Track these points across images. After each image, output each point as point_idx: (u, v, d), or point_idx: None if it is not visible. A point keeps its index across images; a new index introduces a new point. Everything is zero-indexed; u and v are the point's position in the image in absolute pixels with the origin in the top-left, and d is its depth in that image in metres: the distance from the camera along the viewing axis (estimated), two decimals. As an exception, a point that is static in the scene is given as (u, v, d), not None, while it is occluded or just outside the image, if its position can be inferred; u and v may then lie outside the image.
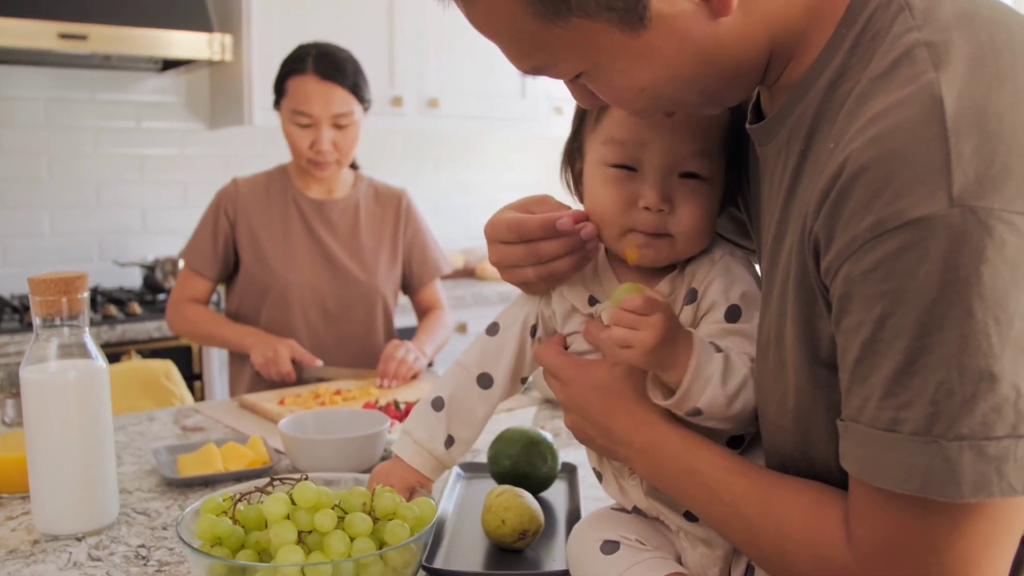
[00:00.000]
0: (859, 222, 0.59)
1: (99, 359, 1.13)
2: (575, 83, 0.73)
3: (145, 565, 1.02)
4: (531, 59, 0.69)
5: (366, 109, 1.98)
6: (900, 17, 0.62)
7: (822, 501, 0.68)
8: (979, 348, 0.55)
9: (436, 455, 0.95)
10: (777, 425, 0.74)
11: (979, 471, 0.56)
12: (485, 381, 0.94)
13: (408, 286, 2.16)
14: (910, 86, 0.58)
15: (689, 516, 0.84)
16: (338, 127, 1.93)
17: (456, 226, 3.83)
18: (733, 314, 0.82)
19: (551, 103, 3.62)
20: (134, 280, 3.14)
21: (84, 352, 1.11)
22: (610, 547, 0.85)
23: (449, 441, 0.95)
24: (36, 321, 1.10)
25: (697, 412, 0.77)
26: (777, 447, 0.75)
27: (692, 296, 0.84)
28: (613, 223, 0.83)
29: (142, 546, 1.07)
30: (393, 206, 2.11)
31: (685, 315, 0.84)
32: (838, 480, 0.68)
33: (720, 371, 0.77)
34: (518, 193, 4.19)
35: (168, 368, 2.26)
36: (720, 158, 0.82)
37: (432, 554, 1.00)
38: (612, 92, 0.70)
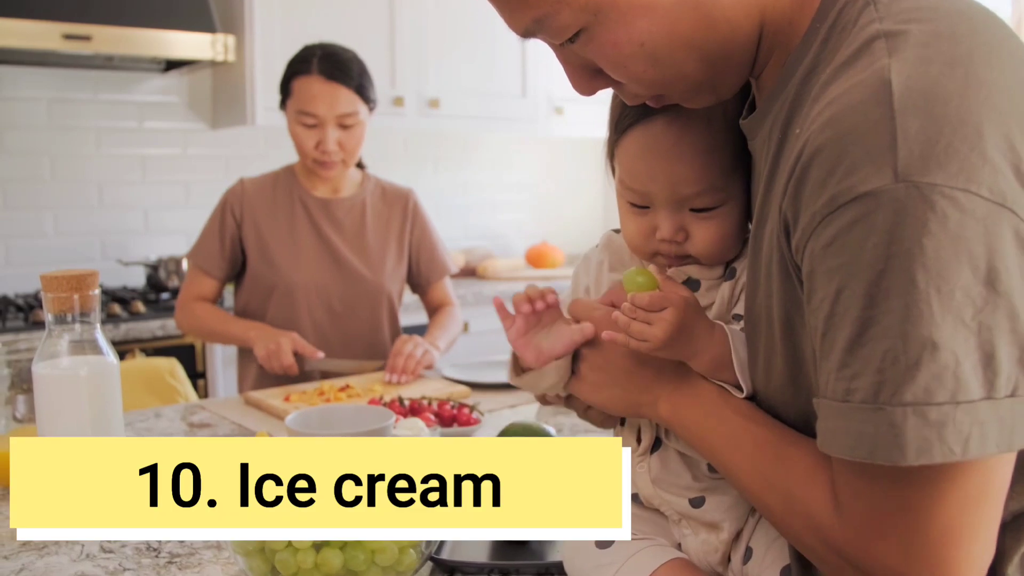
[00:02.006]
0: (817, 199, 0.62)
1: (110, 355, 1.15)
2: (572, 52, 0.73)
3: (156, 557, 1.04)
4: (533, 9, 0.69)
5: (371, 109, 2.00)
6: (866, 10, 0.66)
7: (819, 466, 0.69)
8: (922, 317, 0.58)
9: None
10: (770, 405, 0.76)
11: (922, 436, 0.58)
12: None
13: (416, 286, 2.18)
14: (865, 72, 0.62)
15: (693, 502, 0.86)
16: (343, 127, 1.94)
17: (457, 226, 3.85)
18: None
19: (551, 103, 3.64)
20: (137, 279, 3.16)
21: (95, 348, 1.13)
22: (604, 543, 0.86)
23: None
24: (48, 318, 1.12)
25: (753, 396, 0.79)
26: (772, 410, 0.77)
27: (731, 273, 0.86)
28: (639, 249, 0.88)
29: (153, 539, 1.09)
30: (400, 205, 2.13)
31: (724, 291, 0.86)
32: None
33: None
34: (519, 193, 4.20)
35: (173, 366, 2.27)
36: (735, 178, 0.83)
37: (439, 546, 1.02)
38: (612, 49, 0.70)
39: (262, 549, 0.88)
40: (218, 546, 1.06)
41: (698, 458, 0.86)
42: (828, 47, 0.68)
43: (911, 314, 0.58)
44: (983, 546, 0.63)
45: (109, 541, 1.08)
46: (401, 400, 1.57)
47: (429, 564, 0.99)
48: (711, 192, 0.82)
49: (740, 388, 0.78)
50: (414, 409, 1.54)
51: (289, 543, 0.86)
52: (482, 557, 1.02)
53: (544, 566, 0.98)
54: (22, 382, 1.29)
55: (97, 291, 1.13)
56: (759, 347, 0.76)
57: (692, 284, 0.87)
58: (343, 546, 0.86)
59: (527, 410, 1.68)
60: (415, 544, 0.91)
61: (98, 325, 1.14)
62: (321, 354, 1.87)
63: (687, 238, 0.84)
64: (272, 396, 1.72)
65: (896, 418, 0.59)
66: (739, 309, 0.84)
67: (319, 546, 0.86)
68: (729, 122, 0.81)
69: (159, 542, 1.08)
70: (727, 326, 0.80)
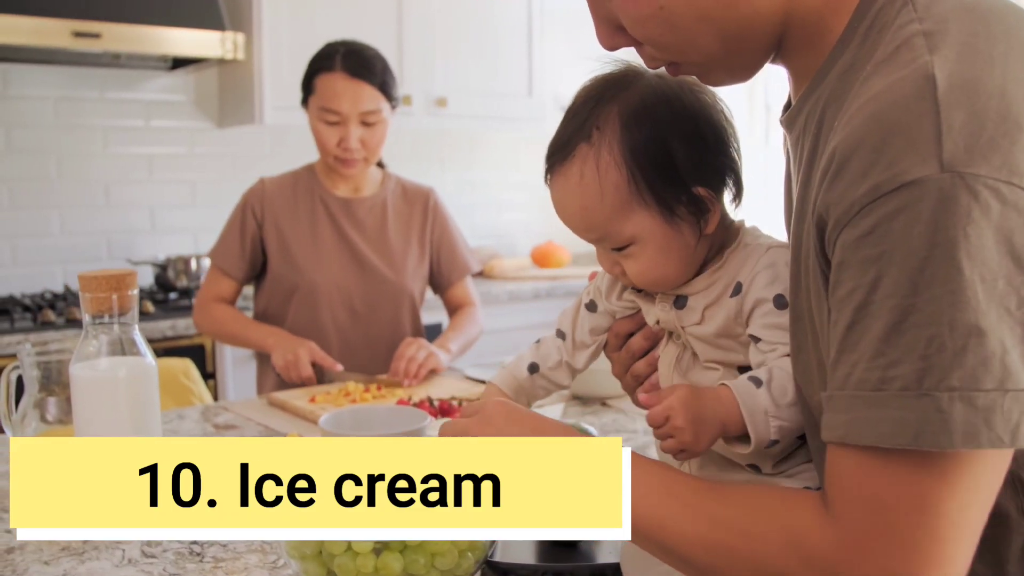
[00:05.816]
0: (856, 189, 0.62)
1: (148, 356, 1.13)
2: (601, 4, 0.76)
3: (201, 561, 1.02)
4: None
5: (394, 107, 1.98)
6: (904, 10, 0.67)
7: (794, 491, 0.70)
8: (968, 303, 0.58)
9: (517, 377, 1.01)
10: (813, 399, 0.75)
11: (969, 421, 0.58)
12: (560, 334, 1.02)
13: (437, 285, 2.15)
14: (906, 68, 0.63)
15: None
16: (366, 124, 1.92)
17: (463, 225, 3.78)
18: (781, 302, 0.83)
19: (557, 103, 3.63)
20: (145, 279, 3.13)
21: (134, 349, 1.12)
22: None
23: (533, 368, 1.01)
24: (86, 318, 1.11)
25: (775, 443, 0.80)
26: (813, 417, 0.76)
27: (738, 288, 0.85)
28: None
29: (195, 543, 1.07)
30: (421, 204, 2.10)
31: (731, 306, 0.85)
32: None
33: (769, 400, 0.79)
34: (524, 192, 4.19)
35: (187, 367, 2.26)
36: (631, 220, 0.84)
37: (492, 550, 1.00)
38: (632, 7, 0.73)
39: (319, 553, 0.87)
40: (262, 549, 1.05)
41: (737, 459, 0.85)
42: (866, 45, 0.69)
43: (957, 300, 0.58)
44: (973, 545, 0.62)
45: (150, 545, 1.06)
46: (431, 400, 1.56)
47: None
48: (609, 238, 0.85)
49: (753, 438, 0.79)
50: (444, 410, 1.53)
51: (349, 547, 0.84)
52: (531, 559, 1.01)
53: (599, 567, 0.97)
54: (51, 383, 1.27)
55: (135, 291, 1.12)
56: (802, 342, 0.75)
57: (680, 300, 0.88)
58: (403, 549, 0.85)
59: (553, 410, 1.66)
60: (473, 547, 0.89)
61: (136, 325, 1.13)
62: (340, 366, 1.84)
63: (623, 272, 0.87)
64: (297, 397, 1.70)
65: (943, 403, 0.58)
66: (753, 328, 0.84)
67: (379, 550, 0.85)
68: (606, 174, 0.83)
69: (201, 546, 1.06)
70: (731, 383, 0.81)
